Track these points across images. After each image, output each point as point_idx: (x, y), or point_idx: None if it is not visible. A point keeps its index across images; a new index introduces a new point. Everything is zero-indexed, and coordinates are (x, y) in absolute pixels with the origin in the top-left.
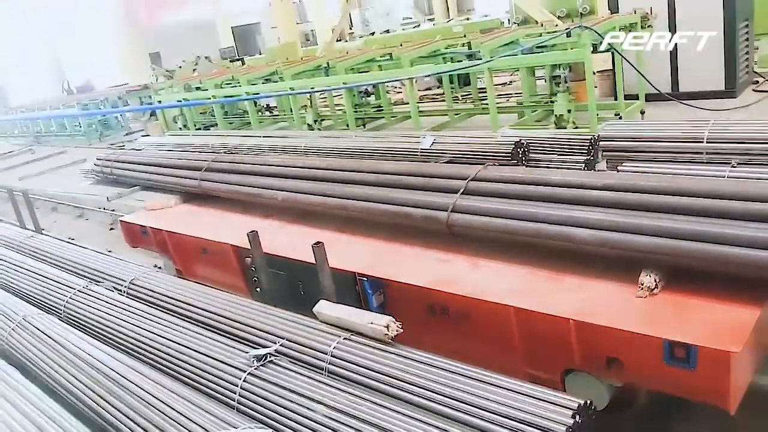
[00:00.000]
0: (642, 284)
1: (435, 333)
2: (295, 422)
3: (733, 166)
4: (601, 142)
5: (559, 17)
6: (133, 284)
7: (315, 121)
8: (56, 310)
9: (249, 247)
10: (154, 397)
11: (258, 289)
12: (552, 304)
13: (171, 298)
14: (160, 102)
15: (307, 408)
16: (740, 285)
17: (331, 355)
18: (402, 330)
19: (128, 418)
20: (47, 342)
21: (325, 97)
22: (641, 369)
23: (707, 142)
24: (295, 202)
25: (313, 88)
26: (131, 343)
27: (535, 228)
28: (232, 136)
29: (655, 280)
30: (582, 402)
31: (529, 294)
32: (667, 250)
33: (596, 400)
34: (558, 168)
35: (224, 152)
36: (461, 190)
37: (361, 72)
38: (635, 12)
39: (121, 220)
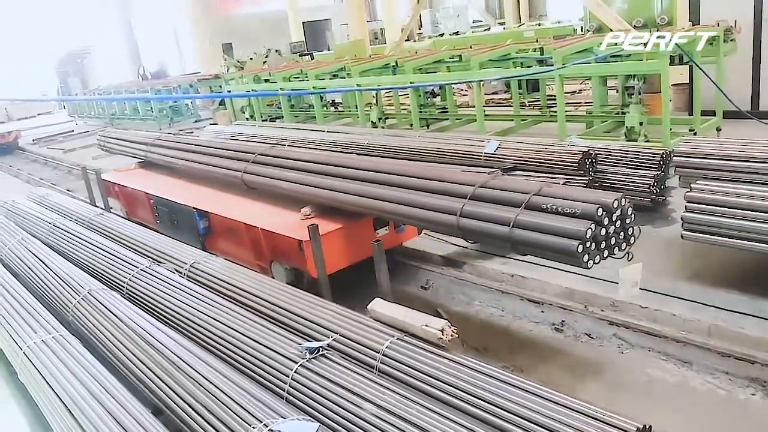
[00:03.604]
0: (301, 212)
1: (230, 243)
2: (343, 418)
3: None
4: (674, 158)
5: (635, 27)
6: (193, 267)
7: (379, 119)
8: (119, 286)
9: (154, 194)
10: (208, 380)
11: (158, 221)
12: (259, 222)
13: (229, 284)
14: (229, 91)
15: (356, 405)
16: (346, 214)
17: (383, 354)
18: (457, 335)
19: (182, 399)
20: (109, 317)
21: (390, 96)
22: (294, 257)
23: None
24: (188, 168)
25: (379, 86)
26: (188, 325)
27: (270, 183)
28: (297, 129)
29: (310, 211)
30: (640, 425)
31: (257, 218)
32: (315, 195)
33: (282, 279)
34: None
35: (167, 133)
36: (251, 160)
37: (429, 72)
38: (718, 24)
39: (101, 178)
